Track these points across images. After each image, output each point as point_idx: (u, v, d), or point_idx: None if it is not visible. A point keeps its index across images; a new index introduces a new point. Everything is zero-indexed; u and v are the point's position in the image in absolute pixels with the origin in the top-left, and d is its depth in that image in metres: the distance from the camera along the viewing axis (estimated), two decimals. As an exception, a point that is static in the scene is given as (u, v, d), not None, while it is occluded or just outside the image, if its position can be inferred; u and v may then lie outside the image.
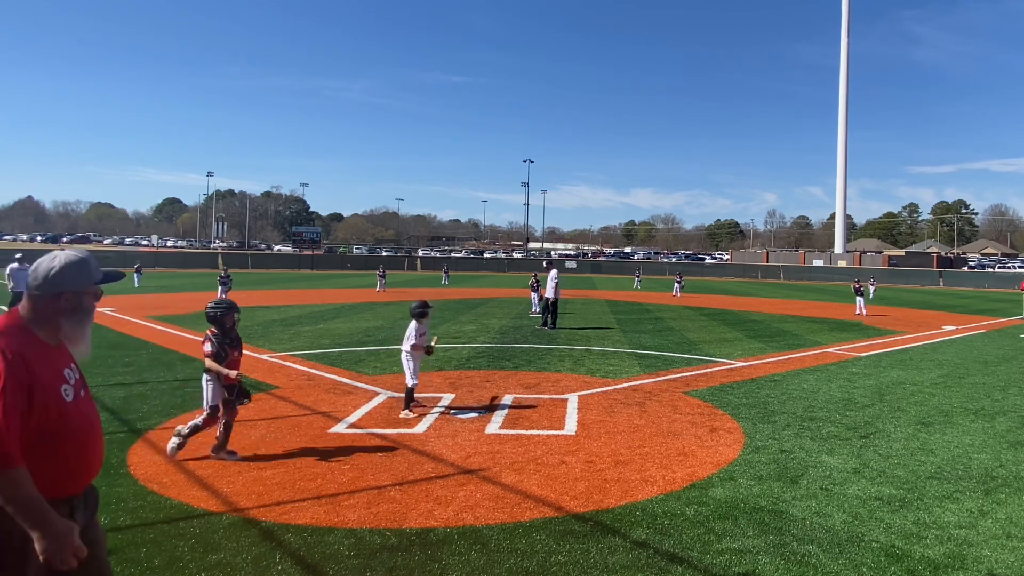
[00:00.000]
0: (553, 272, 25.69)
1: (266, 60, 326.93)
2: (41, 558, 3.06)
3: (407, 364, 11.65)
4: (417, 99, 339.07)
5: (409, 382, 11.52)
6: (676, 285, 49.22)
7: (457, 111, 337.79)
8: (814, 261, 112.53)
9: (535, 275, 34.17)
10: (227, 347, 9.03)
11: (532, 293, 32.58)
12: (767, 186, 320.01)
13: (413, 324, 11.84)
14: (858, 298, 34.83)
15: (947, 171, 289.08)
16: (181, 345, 18.88)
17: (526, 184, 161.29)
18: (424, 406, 11.87)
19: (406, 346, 11.75)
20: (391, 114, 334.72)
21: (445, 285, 58.72)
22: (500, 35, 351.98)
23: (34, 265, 3.38)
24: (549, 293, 25.23)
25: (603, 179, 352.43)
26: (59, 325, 3.37)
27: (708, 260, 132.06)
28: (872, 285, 46.53)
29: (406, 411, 11.34)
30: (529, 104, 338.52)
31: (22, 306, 3.35)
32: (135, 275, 49.31)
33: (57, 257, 3.39)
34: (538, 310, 31.21)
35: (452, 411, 11.72)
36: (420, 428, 10.52)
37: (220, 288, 32.56)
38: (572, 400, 12.78)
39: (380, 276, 47.27)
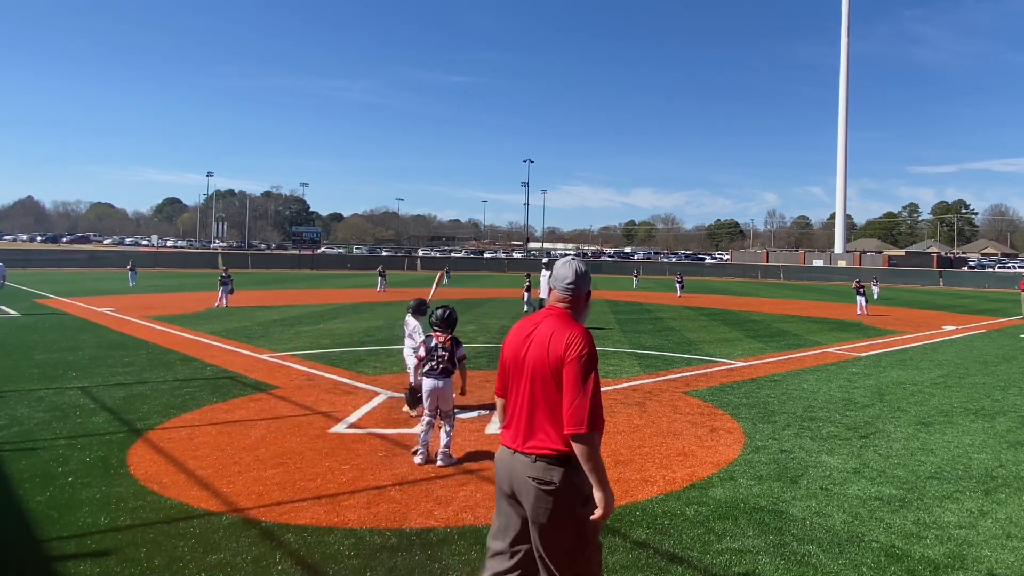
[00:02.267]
0: (546, 272, 25.65)
1: (266, 60, 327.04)
2: (602, 511, 3.91)
3: (409, 361, 11.60)
4: (417, 99, 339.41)
5: (412, 380, 11.49)
6: (677, 285, 49.31)
7: (457, 111, 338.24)
8: (814, 261, 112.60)
9: (528, 275, 34.36)
10: None
11: (525, 292, 32.76)
12: (767, 186, 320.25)
13: (414, 322, 11.74)
14: (859, 298, 34.82)
15: (948, 171, 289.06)
16: (181, 345, 18.88)
17: (526, 184, 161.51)
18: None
19: (408, 344, 11.71)
20: (391, 114, 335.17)
21: (446, 285, 58.81)
22: (500, 35, 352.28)
23: (564, 272, 4.33)
24: (543, 293, 25.25)
25: (604, 179, 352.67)
26: (585, 318, 4.36)
27: (708, 260, 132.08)
28: (875, 286, 46.46)
29: (407, 408, 11.34)
30: (529, 104, 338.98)
31: (565, 305, 4.27)
32: (129, 274, 49.43)
33: (580, 263, 4.41)
34: (527, 309, 31.38)
35: (452, 411, 11.70)
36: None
37: (220, 289, 32.38)
38: (572, 400, 12.72)
39: (380, 276, 47.29)
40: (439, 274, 13.16)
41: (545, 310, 4.33)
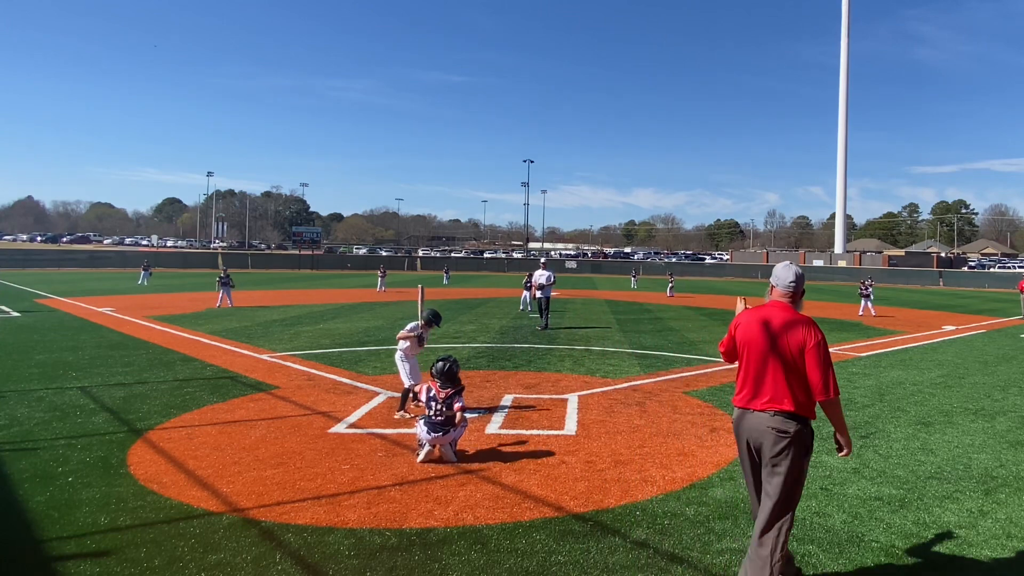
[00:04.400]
0: (538, 272, 25.53)
1: (266, 60, 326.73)
2: (848, 449, 5.39)
3: (401, 365, 11.60)
4: (417, 99, 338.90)
5: (406, 383, 11.49)
6: (669, 285, 49.13)
7: (457, 111, 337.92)
8: (814, 261, 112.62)
9: (529, 274, 34.31)
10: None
11: (525, 292, 32.78)
12: (768, 186, 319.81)
13: (415, 323, 11.82)
14: (864, 300, 34.30)
15: (949, 171, 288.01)
16: (181, 345, 18.88)
17: (526, 184, 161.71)
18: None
19: (399, 347, 11.72)
20: (391, 114, 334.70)
21: (446, 285, 58.86)
22: (501, 34, 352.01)
23: (787, 274, 5.48)
24: (538, 292, 25.31)
25: (604, 179, 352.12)
26: (801, 308, 5.51)
27: (708, 260, 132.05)
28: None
29: (401, 411, 11.33)
30: (530, 104, 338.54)
31: (788, 300, 5.44)
32: (142, 273, 50.08)
33: (797, 267, 5.53)
34: (530, 308, 31.19)
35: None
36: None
37: (222, 290, 32.25)
38: (572, 400, 12.78)
39: (381, 276, 47.30)
40: (420, 290, 12.96)
41: (769, 303, 5.49)
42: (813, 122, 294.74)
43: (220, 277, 32.83)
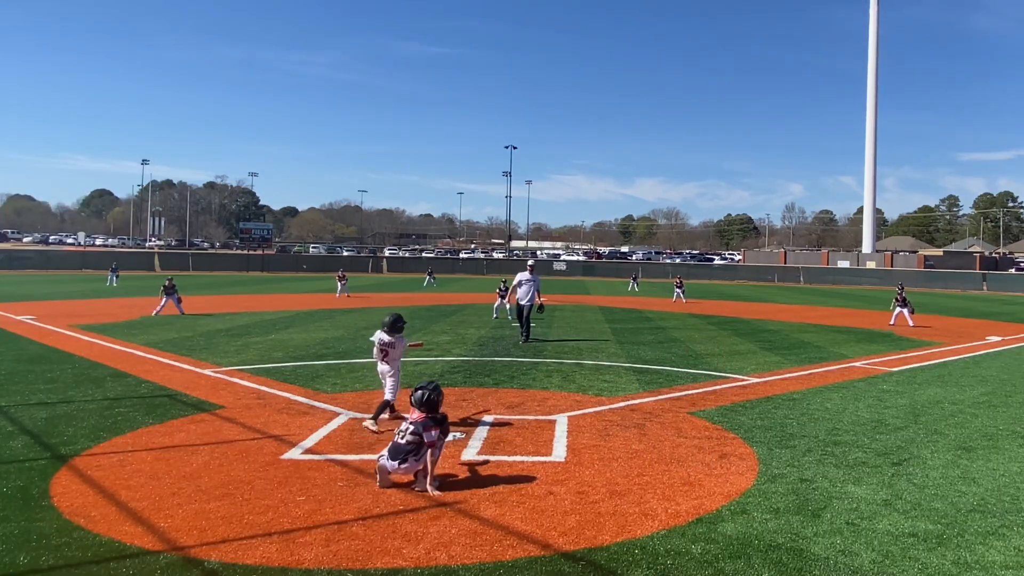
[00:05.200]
0: (522, 275, 24.05)
1: (213, 27, 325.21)
2: None
3: (386, 380, 11.84)
4: (388, 74, 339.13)
5: (387, 396, 11.59)
6: (677, 291, 49.10)
7: (434, 88, 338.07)
8: (839, 262, 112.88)
9: (504, 280, 34.37)
10: None
11: (499, 299, 32.97)
12: (793, 175, 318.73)
13: (381, 335, 11.96)
14: (901, 309, 33.70)
15: (1003, 158, 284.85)
16: (112, 358, 18.78)
17: (508, 174, 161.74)
18: (402, 417, 11.74)
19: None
20: (358, 92, 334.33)
21: (430, 287, 59.11)
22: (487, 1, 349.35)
23: None
24: (518, 295, 23.89)
25: (604, 168, 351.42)
26: None
27: (717, 261, 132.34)
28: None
29: (370, 420, 11.39)
30: (520, 81, 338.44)
31: None
32: (110, 275, 50.83)
33: None
34: (510, 317, 30.83)
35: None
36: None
37: (165, 298, 31.75)
38: (561, 421, 12.79)
39: (341, 281, 47.07)
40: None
41: None
42: (847, 101, 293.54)
43: (165, 284, 32.62)
